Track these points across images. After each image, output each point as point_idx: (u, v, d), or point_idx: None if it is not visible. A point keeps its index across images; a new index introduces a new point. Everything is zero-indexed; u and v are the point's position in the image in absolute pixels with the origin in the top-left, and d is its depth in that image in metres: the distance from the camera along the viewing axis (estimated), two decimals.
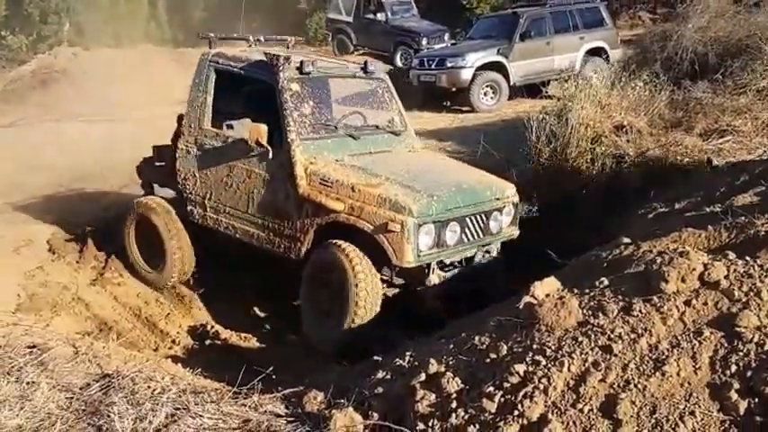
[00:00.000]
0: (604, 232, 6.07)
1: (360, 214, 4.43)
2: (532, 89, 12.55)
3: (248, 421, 3.11)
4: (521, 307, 3.06)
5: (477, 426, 2.63)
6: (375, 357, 3.57)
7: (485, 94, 12.39)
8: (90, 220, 6.70)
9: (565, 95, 7.87)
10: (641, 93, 7.65)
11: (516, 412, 2.56)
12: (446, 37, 16.37)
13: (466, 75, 12.21)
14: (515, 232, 5.17)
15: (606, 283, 3.06)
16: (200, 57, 5.53)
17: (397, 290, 4.77)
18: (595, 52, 13.07)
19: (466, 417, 2.70)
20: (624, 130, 7.27)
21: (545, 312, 2.90)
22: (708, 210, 4.47)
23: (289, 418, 3.16)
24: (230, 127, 4.93)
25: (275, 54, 5.05)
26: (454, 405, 2.77)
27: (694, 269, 2.86)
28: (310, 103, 4.98)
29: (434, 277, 4.60)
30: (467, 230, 4.69)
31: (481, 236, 4.80)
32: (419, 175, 4.79)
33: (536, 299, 3.06)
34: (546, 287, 3.12)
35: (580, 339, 2.72)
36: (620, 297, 2.88)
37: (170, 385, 3.46)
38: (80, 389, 3.35)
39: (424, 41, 15.74)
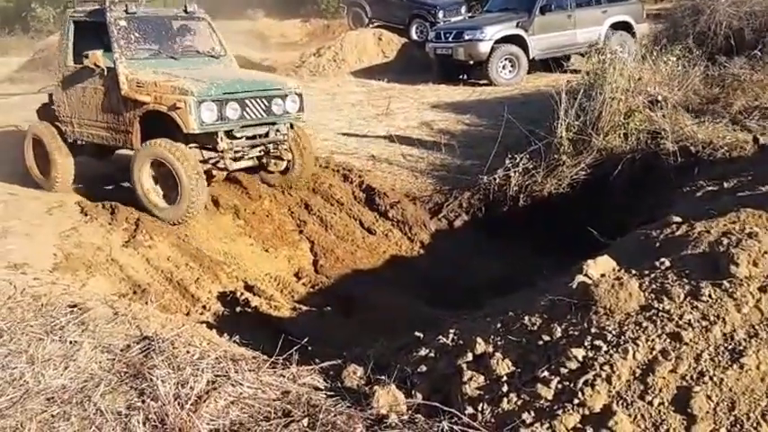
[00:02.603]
0: (641, 210, 5.92)
1: (161, 101, 5.96)
2: (551, 64, 12.29)
3: (287, 393, 3.03)
4: (574, 286, 2.90)
5: (532, 413, 2.49)
6: (416, 333, 3.45)
7: (503, 67, 12.15)
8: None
9: (594, 69, 7.63)
10: (674, 68, 7.39)
11: (576, 401, 2.42)
12: (462, 10, 15.86)
13: (484, 48, 11.96)
14: (302, 116, 6.66)
15: (668, 264, 2.88)
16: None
17: (211, 166, 6.37)
18: (620, 26, 12.70)
19: (519, 402, 2.57)
20: (659, 105, 7.01)
21: (602, 293, 2.74)
22: (764, 189, 4.27)
23: (328, 392, 3.07)
24: (86, 56, 6.24)
25: (110, 1, 6.51)
26: (505, 389, 2.64)
27: (766, 252, 2.69)
28: (136, 34, 6.48)
29: (223, 144, 6.10)
30: (248, 109, 6.14)
31: (264, 115, 6.27)
32: (214, 75, 6.34)
33: (590, 278, 2.90)
34: (600, 266, 2.96)
35: (644, 325, 2.56)
36: (685, 280, 2.70)
37: (209, 351, 3.44)
38: (121, 350, 3.35)
39: (441, 14, 15.22)
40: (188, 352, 3.37)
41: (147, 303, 4.80)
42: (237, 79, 6.39)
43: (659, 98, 6.92)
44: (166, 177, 6.05)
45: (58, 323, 3.65)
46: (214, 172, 6.50)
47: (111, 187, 7.14)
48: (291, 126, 6.69)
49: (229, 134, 6.15)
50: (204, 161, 6.30)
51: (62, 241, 5.58)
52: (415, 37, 15.36)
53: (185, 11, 6.95)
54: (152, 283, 5.44)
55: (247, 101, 6.13)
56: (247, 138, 6.31)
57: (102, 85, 6.44)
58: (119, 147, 6.63)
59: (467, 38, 12.12)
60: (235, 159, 6.32)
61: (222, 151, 6.14)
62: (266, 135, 6.44)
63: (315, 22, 20.89)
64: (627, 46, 11.18)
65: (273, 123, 6.41)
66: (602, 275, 2.87)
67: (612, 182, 6.38)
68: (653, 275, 2.81)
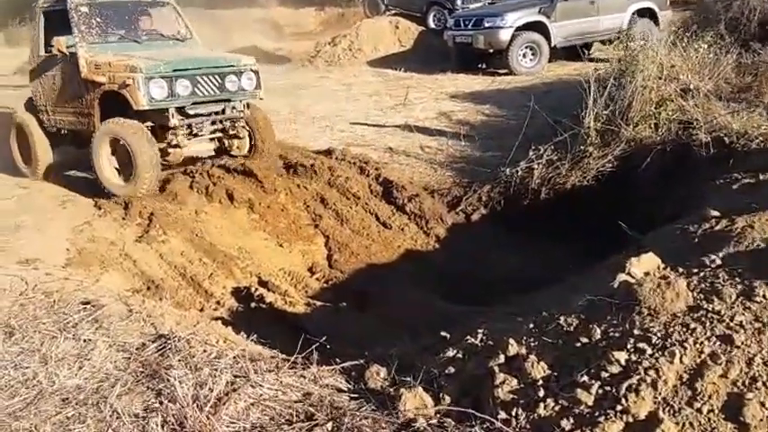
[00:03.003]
0: (670, 203, 5.72)
1: (114, 80, 6.09)
2: (571, 52, 12.04)
3: (309, 395, 2.92)
4: (615, 285, 2.74)
5: (572, 419, 2.34)
6: (442, 333, 3.31)
7: (524, 55, 11.84)
8: None
9: (625, 56, 7.42)
10: (705, 55, 7.15)
11: (619, 407, 2.27)
12: None
13: (504, 35, 11.65)
14: (259, 93, 6.64)
15: (718, 262, 2.71)
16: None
17: (164, 145, 6.36)
18: (644, 13, 12.38)
19: (557, 408, 2.41)
20: (690, 94, 6.80)
21: (647, 293, 2.58)
22: None
23: (352, 394, 2.94)
24: (51, 44, 6.48)
25: None
26: (542, 393, 2.49)
27: None
28: (98, 19, 6.60)
29: (174, 120, 6.14)
30: (199, 86, 6.18)
31: (217, 92, 6.30)
32: (169, 55, 6.42)
33: (633, 277, 2.74)
34: (644, 264, 2.80)
35: (693, 326, 2.40)
36: (737, 279, 2.55)
37: (226, 350, 3.34)
38: (136, 349, 3.28)
39: (459, 1, 14.86)
40: (205, 351, 3.29)
41: (160, 299, 4.72)
42: (190, 57, 6.44)
43: (691, 86, 6.72)
44: (123, 155, 6.16)
45: (71, 320, 3.58)
46: (170, 151, 6.46)
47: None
48: (249, 106, 6.71)
49: (182, 111, 6.22)
50: (159, 139, 6.33)
51: (75, 236, 5.50)
52: (432, 25, 15.08)
53: None
54: (165, 279, 5.35)
55: (199, 77, 6.17)
56: (200, 115, 6.38)
57: (67, 71, 6.59)
58: (85, 130, 6.67)
59: (487, 25, 11.83)
60: (189, 137, 6.44)
61: (174, 128, 6.22)
62: (222, 112, 6.49)
63: (329, 11, 20.71)
64: (651, 33, 10.92)
65: (228, 100, 6.47)
66: (646, 274, 2.72)
67: (640, 174, 6.19)
68: (702, 274, 2.66)
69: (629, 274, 2.75)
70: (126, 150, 6.04)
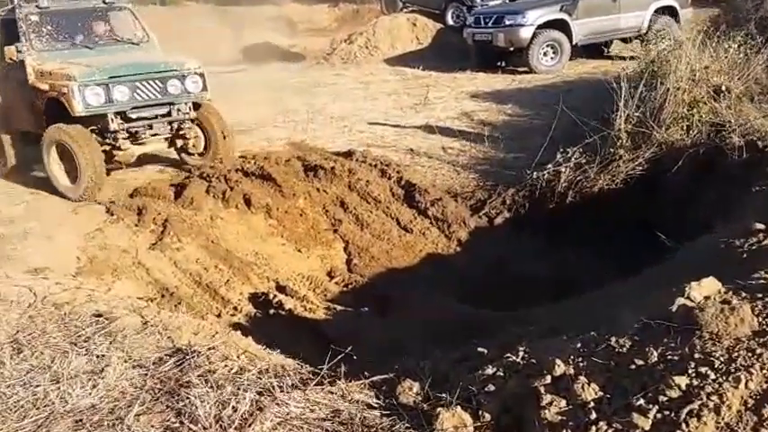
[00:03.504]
0: (705, 208, 5.49)
1: (54, 88, 6.30)
2: (591, 49, 11.96)
3: (338, 411, 2.75)
4: (674, 309, 2.56)
5: None
6: (479, 349, 3.11)
7: (545, 54, 11.69)
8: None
9: (656, 56, 7.20)
10: (735, 56, 6.91)
11: None
12: None
13: (525, 33, 11.50)
14: (205, 95, 6.74)
15: None
16: None
17: (110, 147, 6.53)
18: (665, 11, 12.20)
19: (610, 431, 2.24)
20: (722, 95, 6.57)
21: (709, 319, 2.40)
22: None
23: (384, 411, 2.76)
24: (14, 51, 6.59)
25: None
26: (593, 416, 2.31)
27: None
28: (48, 27, 6.74)
29: (113, 125, 6.33)
30: (139, 91, 6.34)
31: (158, 96, 6.45)
32: (112, 60, 6.54)
33: (692, 301, 2.56)
34: (705, 289, 2.62)
35: (759, 351, 2.22)
36: None
37: (247, 365, 3.17)
38: (153, 364, 3.11)
39: None
40: (226, 366, 3.11)
41: (175, 308, 4.56)
42: (128, 63, 6.55)
43: (723, 88, 6.48)
44: (69, 158, 6.34)
45: (83, 334, 3.42)
46: (117, 153, 6.63)
47: None
48: (199, 106, 6.85)
49: (124, 115, 6.41)
50: (102, 142, 6.50)
51: (86, 243, 5.38)
52: (451, 22, 14.84)
53: (104, 1, 7.21)
54: (180, 287, 5.22)
55: (138, 83, 6.33)
56: (144, 119, 6.54)
57: (20, 77, 6.73)
58: (37, 133, 6.80)
59: (507, 23, 11.67)
60: (132, 140, 6.62)
61: (115, 132, 6.39)
62: (168, 114, 6.65)
63: (344, 7, 20.58)
64: (671, 32, 10.71)
65: (172, 103, 6.58)
66: (706, 298, 2.54)
67: (671, 177, 5.97)
68: (767, 299, 2.44)
69: (688, 297, 2.57)
70: (71, 154, 6.24)
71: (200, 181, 6.48)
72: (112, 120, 6.30)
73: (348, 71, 12.95)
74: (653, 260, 4.64)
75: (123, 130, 6.43)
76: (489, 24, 11.99)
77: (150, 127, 6.64)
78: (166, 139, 6.87)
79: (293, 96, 10.45)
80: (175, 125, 6.76)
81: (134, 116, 6.45)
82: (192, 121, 6.86)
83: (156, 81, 6.42)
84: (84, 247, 5.26)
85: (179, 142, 6.98)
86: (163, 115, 6.63)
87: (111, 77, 6.18)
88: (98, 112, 6.20)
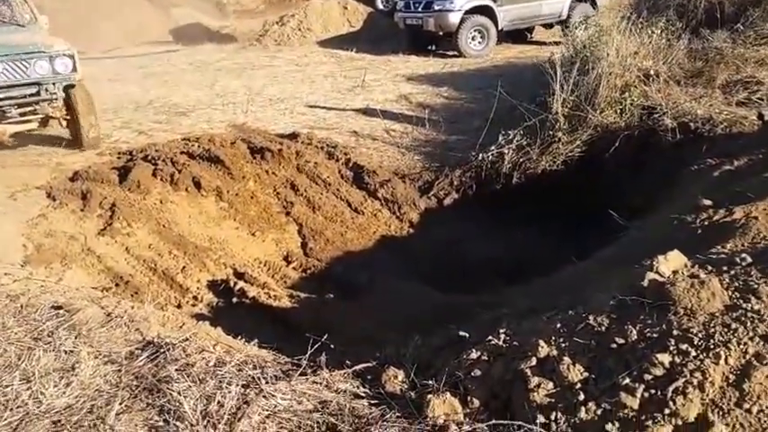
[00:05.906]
0: (644, 187, 5.79)
1: None
2: (516, 35, 12.51)
3: (325, 402, 2.74)
4: (645, 284, 2.69)
5: (617, 423, 2.28)
6: (461, 333, 3.19)
7: (473, 38, 12.06)
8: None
9: (587, 41, 7.47)
10: (658, 41, 7.28)
11: (667, 411, 2.22)
12: None
13: (454, 18, 11.83)
14: (75, 76, 6.82)
15: (749, 260, 2.70)
16: None
17: None
18: None
19: (599, 412, 2.34)
20: (651, 79, 6.91)
21: (681, 293, 2.52)
22: None
23: (371, 401, 2.78)
24: None
25: None
26: (582, 397, 2.41)
27: None
28: None
29: None
30: (5, 72, 6.40)
31: (22, 77, 6.51)
32: None
33: (662, 275, 2.69)
34: (672, 263, 2.75)
35: (734, 326, 2.37)
36: None
37: (225, 357, 3.10)
38: (125, 359, 2.98)
39: None
40: (203, 358, 3.03)
41: (132, 296, 4.41)
42: None
43: (651, 72, 6.82)
44: None
45: (44, 329, 3.24)
46: None
47: None
48: (72, 87, 6.94)
49: None
50: None
51: (30, 230, 5.09)
52: (380, 6, 15.00)
53: None
54: (135, 274, 5.04)
55: (4, 64, 6.42)
56: (11, 98, 6.60)
57: None
58: None
59: (436, 8, 11.95)
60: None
61: None
62: (37, 94, 6.71)
63: None
64: (587, 16, 11.24)
65: (40, 83, 6.66)
66: (675, 272, 2.67)
67: (608, 159, 6.25)
68: (733, 272, 2.62)
69: (657, 272, 2.69)
70: None
71: (146, 164, 6.27)
72: None
73: (282, 53, 12.73)
74: (600, 238, 4.87)
75: None
76: (419, 9, 12.24)
77: (19, 106, 6.70)
78: (41, 119, 6.98)
79: (230, 78, 10.20)
80: (44, 104, 6.83)
81: (2, 95, 6.50)
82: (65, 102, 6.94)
83: (23, 62, 6.49)
84: (29, 234, 5.01)
85: (49, 121, 7.08)
86: (32, 94, 6.67)
87: None
88: None
